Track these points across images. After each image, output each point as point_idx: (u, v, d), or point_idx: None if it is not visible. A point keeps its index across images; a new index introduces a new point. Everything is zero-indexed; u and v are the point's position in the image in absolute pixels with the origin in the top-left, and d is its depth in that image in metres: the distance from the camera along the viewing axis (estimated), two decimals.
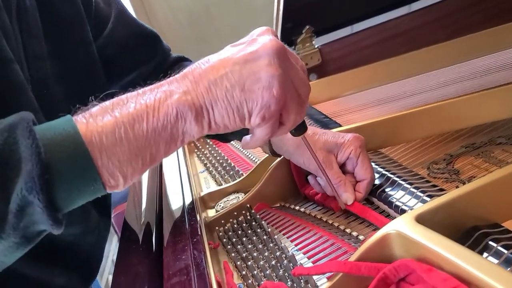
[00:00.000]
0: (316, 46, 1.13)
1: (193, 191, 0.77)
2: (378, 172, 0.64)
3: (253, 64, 0.43)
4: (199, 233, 0.60)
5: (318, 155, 0.60)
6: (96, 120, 0.40)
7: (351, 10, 1.14)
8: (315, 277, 0.50)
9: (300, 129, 0.51)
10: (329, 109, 0.96)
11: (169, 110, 0.41)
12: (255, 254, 0.58)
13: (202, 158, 1.00)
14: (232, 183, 0.80)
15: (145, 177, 0.93)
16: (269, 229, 0.62)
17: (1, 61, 0.50)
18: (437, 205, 0.45)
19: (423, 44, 1.05)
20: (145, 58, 0.79)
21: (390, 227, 0.43)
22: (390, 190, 0.59)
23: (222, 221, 0.69)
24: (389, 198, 0.58)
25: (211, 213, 0.75)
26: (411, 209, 0.52)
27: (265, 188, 0.71)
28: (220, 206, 0.75)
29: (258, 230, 0.63)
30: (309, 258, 0.56)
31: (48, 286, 0.65)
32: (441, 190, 0.55)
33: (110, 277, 0.60)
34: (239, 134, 0.49)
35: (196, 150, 1.07)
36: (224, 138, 0.78)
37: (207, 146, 1.06)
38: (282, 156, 0.70)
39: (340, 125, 0.81)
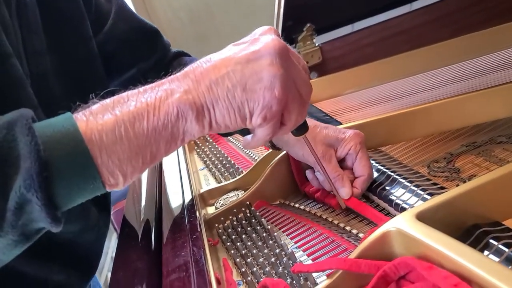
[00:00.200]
0: (317, 44, 1.12)
1: (193, 188, 0.77)
2: (378, 170, 0.63)
3: (255, 64, 0.42)
4: (199, 230, 0.60)
5: (318, 148, 0.60)
6: (96, 118, 0.40)
7: (352, 9, 1.14)
8: (314, 274, 0.50)
9: (301, 129, 0.51)
10: (329, 107, 0.96)
11: (170, 109, 0.41)
12: (254, 251, 0.58)
13: (202, 156, 1.00)
14: (231, 180, 0.79)
15: (144, 174, 0.93)
16: (269, 227, 0.62)
17: (0, 56, 0.50)
18: (438, 203, 0.44)
19: (424, 43, 1.05)
20: (145, 53, 0.79)
21: (391, 225, 0.43)
22: (390, 188, 0.59)
23: (222, 218, 0.69)
24: (390, 196, 0.58)
25: (211, 210, 0.75)
26: (411, 207, 0.52)
27: (265, 186, 0.71)
28: (219, 203, 0.75)
29: (258, 227, 0.63)
30: (308, 255, 0.56)
31: (46, 283, 0.64)
32: (442, 188, 0.55)
33: (109, 274, 0.60)
34: (242, 129, 0.48)
35: (196, 148, 1.07)
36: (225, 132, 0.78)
37: (207, 143, 1.06)
38: (282, 154, 0.70)
39: (340, 123, 0.81)
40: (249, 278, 0.54)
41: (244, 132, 0.58)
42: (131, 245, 0.65)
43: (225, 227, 0.67)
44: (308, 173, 0.67)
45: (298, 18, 1.08)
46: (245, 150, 0.95)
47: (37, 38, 0.59)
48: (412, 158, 0.66)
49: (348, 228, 0.58)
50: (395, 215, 0.46)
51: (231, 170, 0.85)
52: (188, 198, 0.73)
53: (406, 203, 0.55)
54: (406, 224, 0.42)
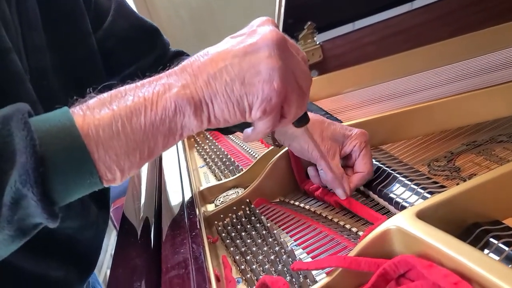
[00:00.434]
0: (317, 43, 1.12)
1: (193, 186, 0.77)
2: (378, 168, 0.63)
3: (252, 57, 0.42)
4: (198, 227, 0.60)
5: (324, 143, 0.61)
6: (93, 112, 0.40)
7: (353, 7, 1.13)
8: (314, 272, 0.50)
9: (302, 121, 0.50)
10: (330, 105, 0.96)
11: (168, 104, 0.41)
12: (254, 248, 0.58)
13: (202, 153, 1.00)
14: (231, 178, 0.79)
15: (144, 171, 0.93)
16: (268, 224, 0.62)
17: (0, 51, 0.49)
18: (438, 201, 0.44)
19: (424, 42, 1.04)
20: (145, 51, 0.78)
21: (391, 223, 0.43)
22: (390, 186, 0.59)
23: (221, 216, 0.69)
24: (390, 194, 0.58)
25: (211, 207, 0.75)
26: (411, 206, 0.52)
27: (265, 183, 0.71)
28: (219, 200, 0.75)
29: (257, 225, 0.63)
30: (308, 253, 0.56)
31: (45, 279, 0.64)
32: (442, 187, 0.55)
33: (109, 272, 0.60)
34: (241, 125, 0.48)
35: (196, 145, 1.07)
36: (226, 130, 0.78)
37: (207, 141, 1.06)
38: (282, 152, 0.70)
39: (341, 122, 0.80)
40: (248, 275, 0.54)
41: (244, 128, 0.58)
42: (131, 242, 0.65)
43: (225, 224, 0.67)
44: (310, 169, 0.67)
45: (299, 16, 1.08)
46: (245, 148, 0.94)
47: (37, 34, 0.59)
48: (413, 157, 0.66)
49: (348, 226, 0.58)
50: (395, 213, 0.46)
51: (231, 167, 0.85)
52: (187, 195, 0.73)
53: (406, 202, 0.55)
54: (406, 222, 0.42)
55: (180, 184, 0.78)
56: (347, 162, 0.64)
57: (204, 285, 0.47)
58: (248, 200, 0.69)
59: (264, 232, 0.61)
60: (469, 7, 1.06)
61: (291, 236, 0.61)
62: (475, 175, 0.58)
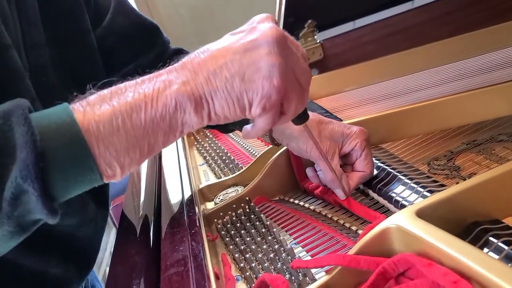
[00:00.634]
0: (318, 41, 1.12)
1: (192, 184, 0.76)
2: (378, 167, 0.63)
3: (252, 53, 0.42)
4: (198, 225, 0.60)
5: (323, 143, 0.60)
6: (94, 108, 0.39)
7: (353, 5, 1.13)
8: (313, 270, 0.50)
9: (301, 118, 0.50)
10: (330, 104, 0.96)
11: (168, 101, 0.41)
12: (253, 246, 0.58)
13: (202, 151, 1.00)
14: (231, 176, 0.79)
15: (144, 169, 0.93)
16: (268, 222, 0.62)
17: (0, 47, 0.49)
18: (438, 200, 0.44)
19: (425, 41, 1.04)
20: (144, 48, 0.78)
21: (390, 221, 0.43)
22: (390, 185, 0.59)
23: (221, 214, 0.69)
24: (390, 193, 0.58)
25: (210, 205, 0.75)
26: (411, 204, 0.52)
27: (265, 181, 0.71)
28: (219, 198, 0.75)
29: (257, 223, 0.63)
30: (307, 251, 0.56)
31: (44, 276, 0.64)
32: (442, 185, 0.55)
33: (108, 269, 0.60)
34: (240, 123, 0.48)
35: (195, 143, 1.07)
36: (225, 128, 0.78)
37: (207, 139, 1.06)
38: (282, 150, 0.70)
39: (341, 120, 0.80)
40: (247, 273, 0.54)
41: (243, 126, 0.58)
42: (130, 240, 0.65)
43: (224, 222, 0.67)
44: (308, 170, 0.67)
45: (299, 14, 1.08)
46: (244, 146, 0.94)
47: (36, 30, 0.59)
48: (413, 156, 0.66)
49: (347, 224, 0.58)
50: (395, 212, 0.46)
51: (231, 165, 0.85)
52: (187, 193, 0.73)
53: (406, 200, 0.55)
54: (406, 221, 0.42)
55: (180, 182, 0.78)
56: (346, 161, 0.64)
57: (203, 283, 0.47)
58: (247, 198, 0.69)
59: (263, 230, 0.61)
60: (469, 6, 1.06)
61: (290, 235, 0.61)
62: (475, 174, 0.58)
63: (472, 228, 0.45)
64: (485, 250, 0.43)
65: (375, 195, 0.61)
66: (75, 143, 0.38)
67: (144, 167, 0.94)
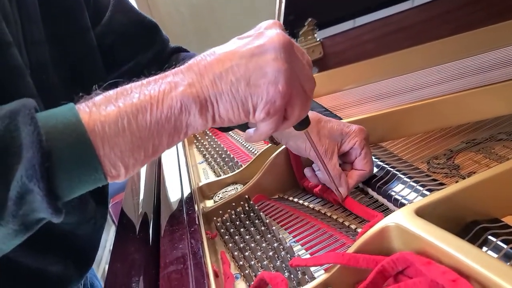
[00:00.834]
0: (318, 39, 1.12)
1: (192, 182, 0.76)
2: (378, 166, 0.63)
3: (259, 58, 0.42)
4: (197, 223, 0.60)
5: (322, 142, 0.61)
6: (99, 109, 0.40)
7: (354, 4, 1.13)
8: (312, 269, 0.50)
9: (303, 124, 0.51)
10: (329, 102, 0.96)
11: (173, 103, 0.41)
12: (252, 244, 0.58)
13: (201, 149, 1.00)
14: (230, 174, 0.79)
15: (143, 167, 0.93)
16: (267, 221, 0.62)
17: (0, 45, 0.49)
18: (437, 198, 0.44)
19: (425, 39, 1.04)
20: (144, 47, 0.78)
21: (390, 220, 0.43)
22: (389, 183, 0.59)
23: (220, 212, 0.69)
24: (389, 192, 0.58)
25: (209, 203, 0.75)
26: (410, 203, 0.52)
27: (264, 180, 0.71)
28: (218, 196, 0.75)
29: (256, 221, 0.63)
30: (306, 250, 0.56)
31: (43, 274, 0.64)
32: (441, 184, 0.55)
33: (107, 267, 0.60)
34: (241, 124, 0.48)
35: (195, 141, 1.07)
36: (225, 127, 0.78)
37: (206, 137, 1.06)
38: (281, 148, 0.70)
39: (340, 119, 0.80)
40: (246, 271, 0.54)
41: (244, 127, 0.58)
42: (129, 238, 0.65)
43: (224, 220, 0.67)
44: (307, 171, 0.67)
45: (299, 12, 1.08)
46: (244, 144, 0.94)
47: (37, 28, 0.59)
48: (412, 154, 0.66)
49: (346, 223, 0.58)
50: (394, 211, 0.46)
51: (230, 164, 0.85)
52: (186, 191, 0.73)
53: (405, 199, 0.55)
54: (405, 219, 0.42)
55: (179, 180, 0.78)
56: (346, 159, 0.64)
57: (202, 280, 0.47)
58: (247, 196, 0.69)
59: (262, 228, 0.61)
60: (469, 5, 1.06)
61: (289, 233, 0.61)
62: (474, 173, 0.58)
63: (471, 227, 0.45)
64: (484, 248, 0.43)
65: (374, 194, 0.61)
66: (81, 143, 0.38)
67: None
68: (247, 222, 0.64)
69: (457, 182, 0.56)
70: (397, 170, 0.60)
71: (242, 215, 0.66)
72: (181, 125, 0.42)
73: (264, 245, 0.57)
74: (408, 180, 0.57)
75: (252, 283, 0.47)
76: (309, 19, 1.10)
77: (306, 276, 0.49)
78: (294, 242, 0.58)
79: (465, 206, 0.46)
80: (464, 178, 0.57)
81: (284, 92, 0.42)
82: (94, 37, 0.70)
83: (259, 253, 0.56)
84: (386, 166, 0.62)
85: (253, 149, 0.90)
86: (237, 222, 0.65)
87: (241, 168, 0.79)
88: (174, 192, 0.74)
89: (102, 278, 1.75)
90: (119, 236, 0.67)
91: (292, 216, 0.64)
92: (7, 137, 0.36)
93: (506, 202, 0.48)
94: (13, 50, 0.51)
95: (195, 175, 0.87)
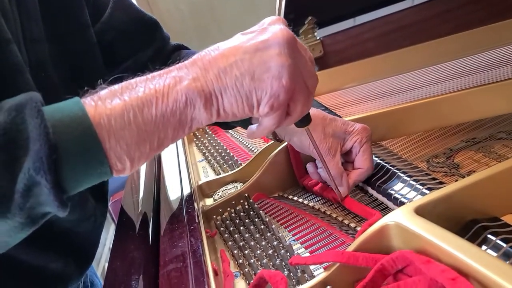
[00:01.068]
0: (318, 38, 1.12)
1: (191, 180, 0.76)
2: (378, 164, 0.63)
3: (263, 53, 0.42)
4: (197, 221, 0.60)
5: (326, 140, 0.61)
6: (105, 103, 0.40)
7: (354, 2, 1.13)
8: (311, 267, 0.50)
9: (304, 121, 0.51)
10: (329, 101, 0.96)
11: (179, 96, 0.41)
12: (252, 243, 0.58)
13: (201, 148, 1.00)
14: (230, 172, 0.79)
15: (143, 165, 0.93)
16: (267, 219, 0.62)
17: (0, 42, 0.49)
18: (436, 197, 0.44)
19: (425, 38, 1.04)
20: (144, 44, 0.78)
21: (389, 218, 0.43)
22: (389, 182, 0.59)
23: (220, 210, 0.69)
24: (388, 190, 0.58)
25: (209, 202, 0.75)
26: (410, 202, 0.52)
27: (264, 178, 0.71)
28: (218, 195, 0.75)
29: (256, 219, 0.63)
30: (306, 248, 0.56)
31: (43, 271, 0.64)
32: (441, 183, 0.55)
33: (107, 265, 0.60)
34: (242, 120, 0.48)
35: (195, 139, 1.07)
36: (226, 125, 0.78)
37: (206, 135, 1.06)
38: (281, 147, 0.70)
39: (340, 117, 0.80)
40: (246, 269, 0.54)
41: (246, 125, 0.58)
42: (129, 236, 0.65)
43: (223, 218, 0.67)
44: (309, 166, 0.67)
45: (299, 11, 1.08)
46: (244, 143, 0.94)
47: (36, 25, 0.59)
48: (412, 153, 0.66)
49: (346, 221, 0.58)
50: (394, 209, 0.46)
51: (230, 162, 0.85)
52: (186, 189, 0.73)
53: (405, 197, 0.55)
54: (405, 218, 0.42)
55: (179, 179, 0.78)
56: (347, 158, 0.64)
57: (202, 279, 0.47)
58: (246, 195, 0.69)
59: (262, 226, 0.61)
60: (468, 4, 1.06)
61: (289, 231, 0.61)
62: (474, 171, 0.58)
63: (471, 226, 0.45)
64: (484, 247, 0.43)
65: (374, 192, 0.61)
66: (87, 136, 0.38)
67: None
68: (246, 221, 0.64)
69: (456, 181, 0.56)
70: (397, 169, 0.60)
71: (241, 214, 0.66)
72: (186, 119, 0.43)
73: (263, 243, 0.57)
74: (407, 178, 0.57)
75: (252, 281, 0.47)
76: (309, 18, 1.10)
77: (306, 275, 0.49)
78: (293, 240, 0.58)
79: (464, 205, 0.46)
80: (463, 177, 0.57)
81: (287, 87, 0.43)
82: (94, 34, 0.70)
83: (258, 252, 0.56)
84: (386, 164, 0.62)
85: (252, 147, 0.90)
86: (237, 221, 0.65)
87: (241, 167, 0.79)
88: (174, 190, 0.74)
89: (102, 276, 1.76)
90: (119, 234, 0.68)
91: (292, 214, 0.64)
92: (14, 130, 0.36)
93: (505, 200, 0.48)
94: (13, 47, 0.51)
95: (195, 174, 0.87)
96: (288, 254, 0.54)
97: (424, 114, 0.72)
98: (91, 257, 0.75)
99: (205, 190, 0.78)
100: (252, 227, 0.62)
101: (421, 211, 0.42)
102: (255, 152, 0.84)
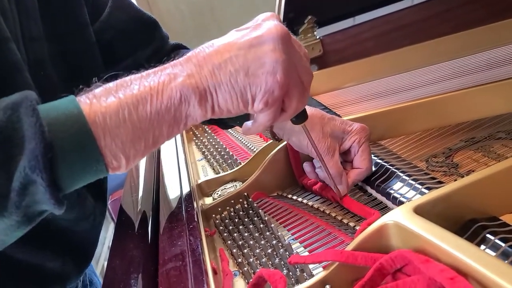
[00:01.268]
0: (317, 37, 1.12)
1: (191, 179, 0.76)
2: (377, 164, 0.63)
3: (257, 49, 0.42)
4: (196, 220, 0.60)
5: (325, 140, 0.61)
6: (100, 100, 0.40)
7: (353, 2, 1.13)
8: (310, 266, 0.50)
9: (300, 117, 0.51)
10: (329, 100, 0.96)
11: (173, 93, 0.41)
12: (251, 242, 0.58)
13: (201, 146, 1.00)
14: (229, 171, 0.79)
15: (142, 164, 0.93)
16: (266, 218, 0.62)
17: None
18: (436, 196, 0.44)
19: (425, 38, 1.04)
20: (143, 43, 0.78)
21: (388, 218, 0.43)
22: (388, 181, 0.59)
23: (219, 209, 0.69)
24: (388, 190, 0.58)
25: (208, 200, 0.75)
26: (409, 201, 0.52)
27: (263, 177, 0.71)
28: (217, 194, 0.75)
29: (255, 218, 0.63)
30: (305, 247, 0.56)
31: (41, 270, 0.64)
32: (440, 182, 0.55)
33: (106, 264, 0.60)
34: (240, 119, 0.48)
35: (194, 138, 1.07)
36: (224, 124, 0.78)
37: (206, 134, 1.06)
38: (281, 146, 0.70)
39: (340, 116, 0.80)
40: (245, 268, 0.54)
41: (243, 122, 0.58)
42: (128, 235, 0.65)
43: (222, 217, 0.67)
44: (306, 166, 0.67)
45: (299, 10, 1.08)
46: (243, 142, 0.94)
47: (35, 24, 0.59)
48: (411, 153, 0.66)
49: (345, 220, 0.58)
50: (393, 209, 0.46)
51: (229, 161, 0.85)
52: (185, 188, 0.73)
53: (404, 197, 0.55)
54: (404, 217, 0.42)
55: (178, 177, 0.78)
56: (345, 157, 0.64)
57: (201, 277, 0.47)
58: (246, 194, 0.69)
59: (261, 225, 0.61)
60: (468, 4, 1.06)
61: (288, 230, 0.61)
62: (473, 171, 0.58)
63: (470, 225, 0.45)
64: (482, 247, 0.43)
65: (373, 192, 0.61)
66: (82, 134, 0.38)
67: (142, 161, 0.94)
68: (245, 220, 0.64)
69: (455, 180, 0.56)
70: (396, 168, 0.60)
71: (241, 213, 0.66)
72: (180, 116, 0.42)
73: (262, 242, 0.57)
74: (407, 178, 0.57)
75: (251, 280, 0.47)
76: (309, 17, 1.09)
77: (305, 274, 0.49)
78: (292, 239, 0.58)
79: (463, 204, 0.46)
80: (462, 177, 0.57)
81: (282, 82, 0.43)
82: (93, 33, 0.70)
83: (257, 251, 0.56)
84: (385, 164, 0.62)
85: (252, 146, 0.90)
86: (236, 220, 0.65)
87: (240, 166, 0.79)
88: (173, 189, 0.74)
89: (101, 274, 1.76)
90: (118, 233, 0.67)
91: (291, 213, 0.64)
92: (10, 128, 0.36)
93: (504, 200, 0.48)
94: (11, 45, 0.51)
95: (194, 173, 0.87)
96: (287, 253, 0.54)
97: (423, 113, 0.72)
98: (90, 256, 0.75)
99: (205, 189, 0.78)
100: (251, 226, 0.62)
101: (420, 211, 0.42)
102: (255, 151, 0.84)
